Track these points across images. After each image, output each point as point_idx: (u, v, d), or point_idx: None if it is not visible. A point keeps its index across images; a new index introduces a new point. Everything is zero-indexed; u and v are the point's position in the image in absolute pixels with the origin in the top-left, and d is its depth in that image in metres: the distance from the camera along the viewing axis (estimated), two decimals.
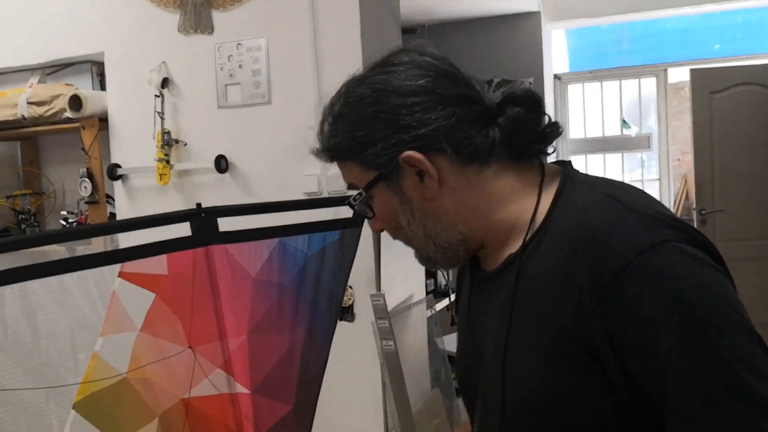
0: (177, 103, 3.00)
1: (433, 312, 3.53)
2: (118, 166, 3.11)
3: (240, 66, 2.88)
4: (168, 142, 2.95)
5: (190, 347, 1.22)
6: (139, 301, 1.15)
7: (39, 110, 3.20)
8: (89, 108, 3.07)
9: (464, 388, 1.04)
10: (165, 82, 2.97)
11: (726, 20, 6.15)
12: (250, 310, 1.32)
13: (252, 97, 2.87)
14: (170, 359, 1.20)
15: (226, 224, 1.32)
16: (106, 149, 3.19)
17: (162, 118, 2.97)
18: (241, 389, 1.31)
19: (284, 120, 2.82)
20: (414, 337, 3.20)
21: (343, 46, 2.71)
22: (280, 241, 1.35)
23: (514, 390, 0.86)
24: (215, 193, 2.94)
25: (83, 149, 3.15)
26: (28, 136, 3.71)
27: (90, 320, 1.10)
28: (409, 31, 3.69)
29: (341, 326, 2.83)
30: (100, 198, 3.17)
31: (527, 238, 0.88)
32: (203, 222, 1.23)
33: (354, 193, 0.95)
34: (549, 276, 0.84)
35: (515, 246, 0.90)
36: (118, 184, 3.16)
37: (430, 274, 4.20)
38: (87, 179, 3.15)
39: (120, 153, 3.14)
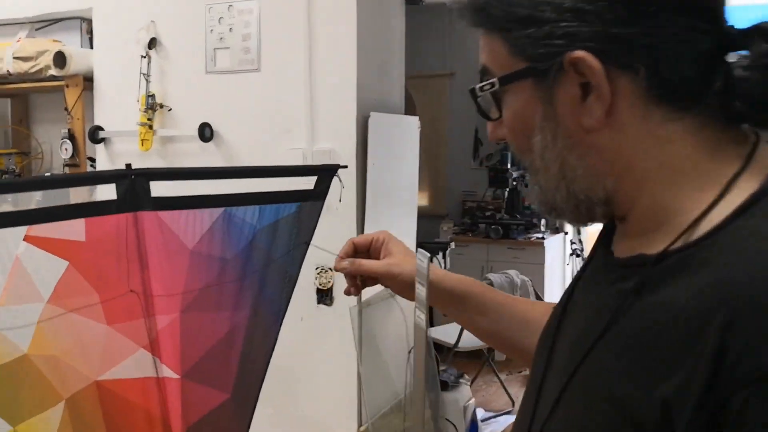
0: (164, 65, 2.87)
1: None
2: (101, 128, 2.98)
3: (230, 29, 2.73)
4: (152, 106, 2.82)
5: (107, 324, 1.09)
6: (49, 269, 1.02)
7: (25, 66, 3.08)
8: (74, 66, 2.95)
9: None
10: (152, 43, 2.83)
11: None
12: (184, 285, 1.18)
13: (241, 63, 2.72)
14: (84, 336, 1.07)
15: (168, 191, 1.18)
16: (92, 111, 3.06)
17: (147, 81, 2.83)
18: (168, 373, 1.18)
19: (272, 89, 2.67)
20: (400, 324, 3.07)
21: (338, 16, 2.56)
22: (225, 211, 1.21)
23: None
24: (198, 162, 2.81)
25: (66, 109, 3.03)
26: (18, 94, 3.59)
27: None
28: (412, 2, 3.51)
29: (319, 310, 2.73)
30: (80, 161, 3.05)
31: (674, 245, 0.60)
32: (132, 185, 1.09)
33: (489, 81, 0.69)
34: (670, 314, 0.57)
35: (654, 245, 0.62)
36: (100, 148, 3.03)
37: None
38: (68, 141, 3.03)
39: (103, 115, 3.01)
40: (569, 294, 0.75)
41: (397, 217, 2.92)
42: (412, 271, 0.98)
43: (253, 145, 2.71)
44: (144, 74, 2.81)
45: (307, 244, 1.34)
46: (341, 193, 2.45)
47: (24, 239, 0.99)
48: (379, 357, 2.78)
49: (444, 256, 5.87)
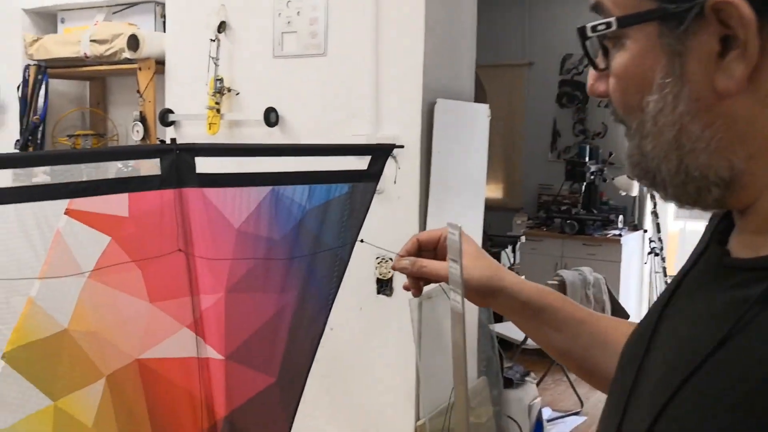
0: (232, 49, 2.87)
1: None
2: (171, 111, 3.02)
3: (298, 13, 2.70)
4: (220, 90, 2.83)
5: (150, 301, 1.07)
6: (90, 244, 1.00)
7: (100, 49, 3.15)
8: (146, 49, 2.99)
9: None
10: (222, 26, 2.84)
11: None
12: (229, 265, 1.15)
13: (307, 48, 2.69)
14: (125, 313, 1.05)
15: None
16: (163, 94, 3.11)
17: (216, 65, 2.84)
18: (212, 354, 1.15)
19: (338, 74, 2.63)
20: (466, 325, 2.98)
21: (407, 2, 2.49)
22: (273, 189, 1.17)
23: None
24: None
25: (138, 92, 3.08)
26: (96, 76, 3.69)
27: (30, 261, 0.95)
28: None
29: (378, 301, 2.68)
30: (151, 143, 3.09)
31: None
32: (177, 160, 1.06)
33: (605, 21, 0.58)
34: None
35: None
36: (170, 131, 3.07)
37: (492, 253, 3.95)
38: (140, 123, 3.08)
39: (174, 98, 3.05)
40: (668, 297, 0.64)
41: (462, 208, 2.83)
42: (482, 276, 0.88)
43: (317, 131, 2.68)
44: (213, 58, 2.83)
45: (359, 228, 1.29)
46: (396, 175, 2.40)
47: (65, 213, 0.97)
48: (440, 351, 2.71)
49: (513, 250, 5.74)
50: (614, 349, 0.75)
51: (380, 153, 1.28)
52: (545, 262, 5.33)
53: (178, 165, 1.07)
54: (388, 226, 2.59)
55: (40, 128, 3.40)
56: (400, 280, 2.54)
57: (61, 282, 0.98)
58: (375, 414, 2.65)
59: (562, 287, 4.04)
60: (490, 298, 0.90)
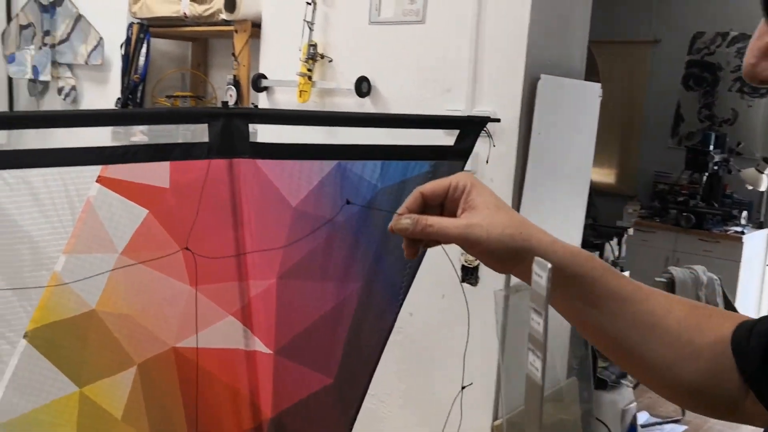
0: (329, 13, 2.74)
1: None
2: (264, 77, 2.93)
3: None
4: (313, 56, 2.70)
5: (191, 284, 0.95)
6: (124, 216, 0.88)
7: (199, 9, 3.10)
8: (243, 10, 2.91)
9: None
10: None
11: None
12: (284, 248, 1.01)
13: (405, 14, 2.52)
14: (161, 296, 0.93)
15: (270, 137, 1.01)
16: (258, 58, 3.03)
17: (311, 29, 2.72)
18: (260, 347, 1.02)
19: (435, 43, 2.45)
20: (553, 316, 2.77)
21: None
22: (339, 164, 1.02)
23: None
24: None
25: (233, 54, 3.01)
26: (198, 38, 3.67)
27: (56, 232, 0.85)
28: None
29: (462, 289, 2.50)
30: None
31: None
32: (227, 126, 0.93)
33: None
34: None
35: None
36: (263, 97, 2.99)
37: (594, 244, 3.67)
38: (233, 87, 3.02)
39: (268, 63, 2.96)
40: None
41: (563, 194, 2.60)
42: (503, 235, 0.70)
43: (409, 103, 2.51)
44: (308, 22, 2.70)
45: None
46: (489, 154, 2.19)
47: (96, 180, 0.86)
48: (525, 348, 2.51)
49: (619, 243, 5.37)
50: (663, 334, 0.68)
51: (471, 127, 1.10)
52: (655, 257, 4.95)
53: (230, 132, 0.94)
54: None
55: (140, 87, 3.42)
56: (486, 269, 2.35)
57: (91, 257, 0.87)
58: (450, 407, 2.50)
59: (670, 286, 3.72)
60: (511, 263, 0.72)
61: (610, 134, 5.34)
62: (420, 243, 0.76)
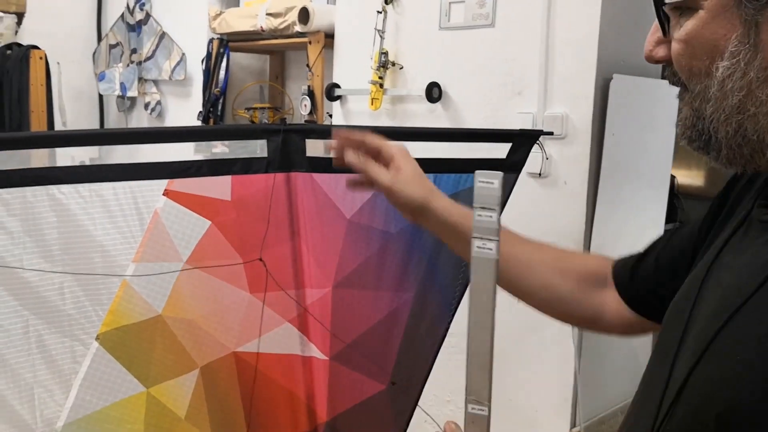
0: (399, 21, 2.77)
1: None
2: (337, 86, 3.00)
3: None
4: (384, 64, 2.74)
5: (251, 292, 1.00)
6: (189, 227, 0.94)
7: (275, 22, 3.20)
8: (316, 21, 2.98)
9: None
10: None
11: None
12: (339, 258, 1.05)
13: (475, 18, 2.52)
14: (223, 303, 0.98)
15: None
16: (332, 68, 3.09)
17: (382, 37, 2.76)
18: (316, 353, 1.06)
19: (505, 46, 2.44)
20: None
21: None
22: None
23: (694, 392, 0.59)
24: (424, 124, 2.68)
25: (307, 65, 3.09)
26: (276, 51, 3.78)
27: (126, 242, 0.92)
28: None
29: None
30: (318, 119, 3.10)
31: None
32: (285, 141, 0.97)
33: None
34: None
35: None
36: (336, 106, 3.05)
37: None
38: (308, 97, 3.10)
39: (341, 72, 3.01)
40: (715, 256, 0.68)
41: (640, 198, 2.53)
42: (413, 193, 0.92)
43: (480, 107, 2.51)
44: (378, 30, 2.74)
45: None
46: (543, 166, 2.16)
47: (164, 194, 0.92)
48: (604, 355, 2.46)
49: None
50: (538, 268, 0.93)
51: (524, 140, 1.11)
52: None
53: (287, 147, 0.98)
54: (550, 213, 2.38)
55: (221, 100, 3.55)
56: None
57: (158, 266, 0.94)
58: (526, 413, 2.47)
59: None
60: (421, 217, 0.94)
61: None
62: (361, 183, 0.95)
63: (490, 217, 0.68)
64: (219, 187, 0.95)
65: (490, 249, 0.68)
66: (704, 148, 0.64)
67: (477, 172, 0.70)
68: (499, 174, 0.68)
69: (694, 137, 0.65)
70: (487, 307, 0.69)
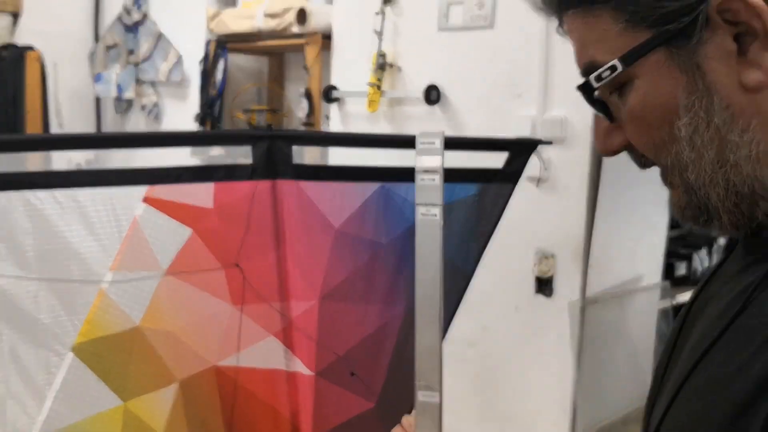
0: (398, 22, 2.73)
1: (671, 304, 2.90)
2: (335, 88, 2.96)
3: None
4: (382, 65, 2.70)
5: (233, 303, 0.96)
6: (169, 235, 0.90)
7: (272, 23, 3.16)
8: (314, 22, 2.95)
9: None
10: None
11: None
12: (326, 269, 1.01)
13: (474, 20, 2.48)
14: (204, 314, 0.95)
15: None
16: (329, 70, 3.06)
17: (380, 39, 2.72)
18: (301, 368, 1.02)
19: (505, 48, 2.40)
20: (636, 330, 2.65)
21: None
22: (382, 186, 1.01)
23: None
24: (422, 127, 2.64)
25: (305, 67, 3.06)
26: (273, 52, 3.75)
27: (103, 250, 0.88)
28: None
29: (536, 301, 2.43)
30: (315, 120, 3.07)
31: None
32: (271, 148, 0.94)
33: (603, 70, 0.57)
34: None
35: None
36: (335, 108, 3.02)
37: (678, 255, 3.49)
38: (305, 99, 3.06)
39: (339, 74, 2.98)
40: (701, 288, 0.65)
41: (642, 204, 2.49)
42: None
43: (479, 110, 2.47)
44: (377, 32, 2.71)
45: (488, 237, 1.09)
46: (541, 172, 2.11)
47: (143, 200, 0.88)
48: (604, 363, 2.42)
49: (709, 253, 5.09)
50: None
51: (521, 149, 1.07)
52: None
53: (272, 154, 0.95)
54: (549, 217, 2.34)
55: (218, 102, 3.52)
56: (561, 280, 2.28)
57: (136, 275, 0.90)
58: (526, 423, 2.43)
59: None
60: None
61: None
62: None
63: (433, 180, 0.65)
64: (201, 194, 0.92)
65: (435, 215, 0.64)
66: (707, 222, 0.58)
67: (418, 133, 0.66)
68: (440, 134, 0.65)
69: (695, 215, 0.58)
70: (434, 281, 0.66)
